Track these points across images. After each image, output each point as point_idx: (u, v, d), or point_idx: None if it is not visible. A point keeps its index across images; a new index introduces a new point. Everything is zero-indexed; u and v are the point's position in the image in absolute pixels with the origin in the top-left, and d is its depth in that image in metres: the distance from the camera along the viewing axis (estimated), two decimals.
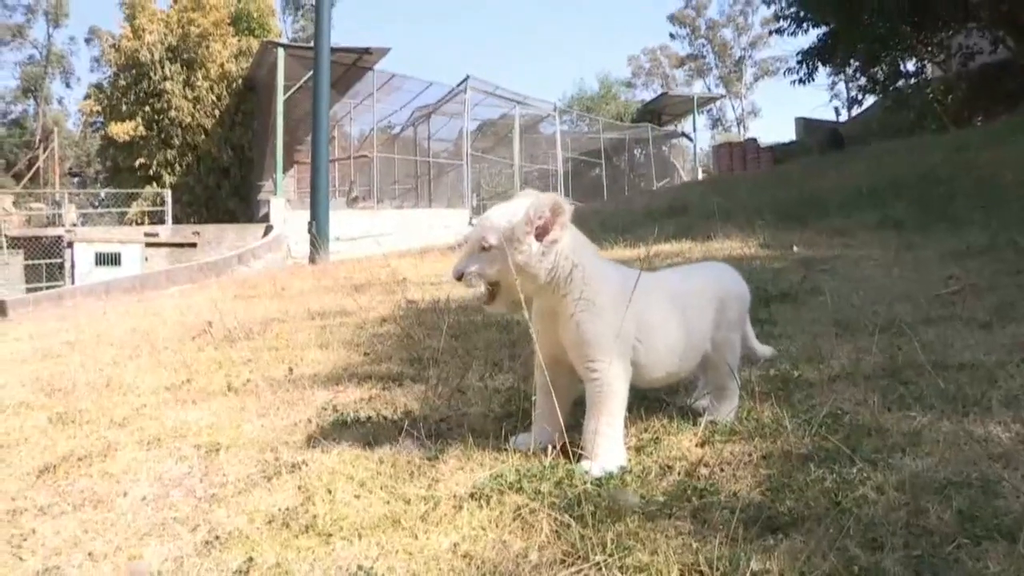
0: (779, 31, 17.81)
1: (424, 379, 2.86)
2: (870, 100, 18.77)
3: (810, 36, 18.88)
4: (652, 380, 2.24)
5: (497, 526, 1.66)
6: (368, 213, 18.91)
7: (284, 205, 17.69)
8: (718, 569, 1.43)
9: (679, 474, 1.96)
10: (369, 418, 2.38)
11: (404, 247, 13.56)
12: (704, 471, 1.96)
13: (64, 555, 1.72)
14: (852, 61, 16.91)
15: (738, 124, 53.94)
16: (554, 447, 2.05)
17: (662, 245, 7.13)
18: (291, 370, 3.10)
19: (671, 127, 35.00)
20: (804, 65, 17.28)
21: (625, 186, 30.24)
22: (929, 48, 16.06)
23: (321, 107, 10.80)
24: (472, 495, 1.78)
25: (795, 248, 6.25)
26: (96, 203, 24.89)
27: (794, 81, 17.30)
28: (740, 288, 2.51)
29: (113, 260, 16.69)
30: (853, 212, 7.79)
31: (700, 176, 28.89)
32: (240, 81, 23.47)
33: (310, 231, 10.37)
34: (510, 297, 2.10)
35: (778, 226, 7.46)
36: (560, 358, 2.11)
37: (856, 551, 1.49)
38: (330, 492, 1.81)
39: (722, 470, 1.97)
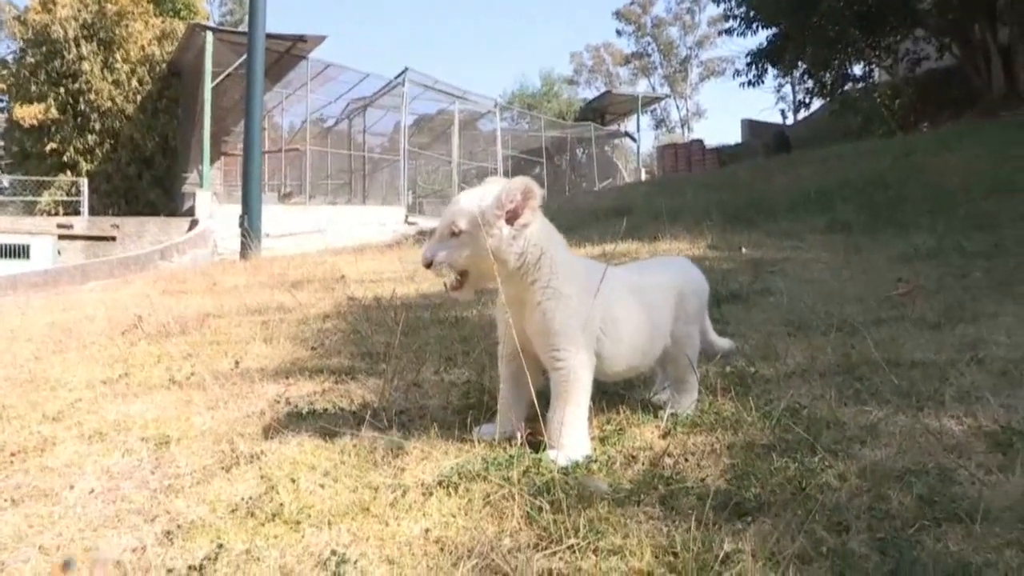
0: (728, 31, 18.33)
1: (377, 373, 2.91)
2: (817, 104, 19.47)
3: (759, 37, 19.48)
4: (614, 373, 2.33)
5: (467, 513, 1.72)
6: (300, 209, 18.68)
7: (211, 198, 17.33)
8: (690, 550, 1.52)
9: (644, 464, 2.05)
10: (326, 410, 2.42)
11: (338, 244, 13.48)
12: (669, 461, 2.06)
13: (9, 551, 1.70)
14: (800, 64, 17.51)
15: (682, 125, 55.01)
16: (519, 437, 2.12)
17: (609, 245, 7.31)
18: (237, 363, 3.10)
19: (614, 127, 35.54)
20: (753, 67, 17.81)
21: (566, 186, 30.57)
22: (877, 52, 16.80)
23: (255, 95, 10.64)
24: (440, 483, 1.84)
25: (744, 250, 6.49)
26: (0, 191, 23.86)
27: (743, 83, 17.82)
28: (699, 282, 2.63)
29: (20, 253, 16.08)
30: (801, 215, 8.12)
31: (643, 177, 29.41)
32: (164, 65, 22.84)
33: (242, 226, 10.20)
34: (479, 283, 2.17)
35: (726, 228, 7.72)
36: (525, 348, 2.18)
37: (823, 533, 1.60)
38: (293, 481, 1.85)
39: (686, 460, 2.07)
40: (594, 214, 10.23)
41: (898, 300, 4.19)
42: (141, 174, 22.83)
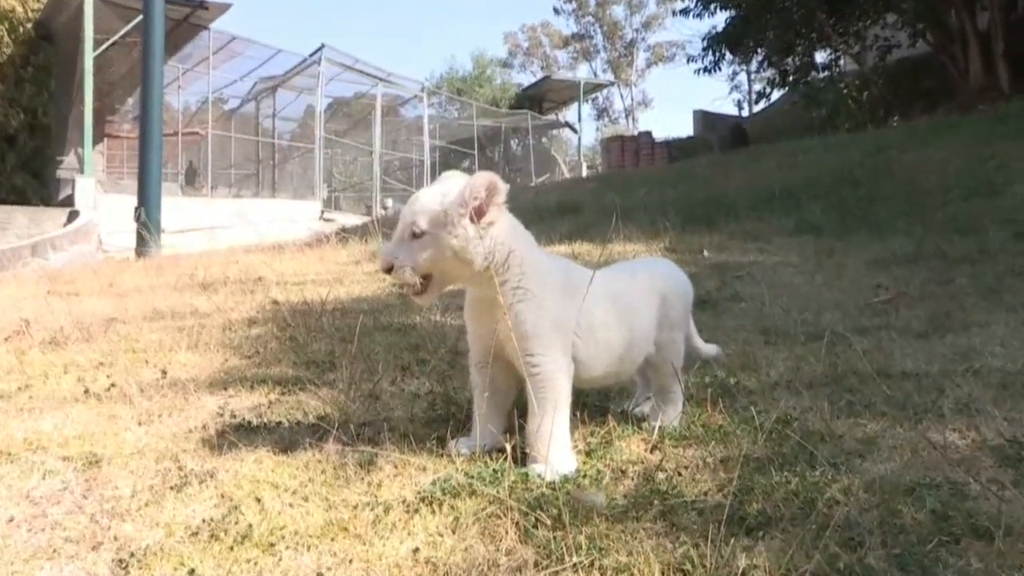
0: (684, 11, 18.69)
1: (327, 383, 2.94)
2: (777, 95, 20.01)
3: (716, 19, 19.93)
4: (590, 378, 2.41)
5: (455, 531, 1.77)
6: (202, 201, 18.33)
7: (94, 186, 16.80)
8: (704, 567, 1.60)
9: (634, 478, 2.14)
10: (279, 423, 2.44)
11: (246, 242, 13.26)
12: (662, 475, 2.15)
13: None
14: (761, 50, 17.95)
15: (627, 115, 55.92)
16: (501, 450, 2.18)
17: (556, 246, 7.43)
18: (164, 373, 3.07)
19: (553, 116, 35.92)
20: (711, 52, 18.20)
21: None
22: (844, 39, 17.30)
23: (153, 67, 10.41)
24: (424, 499, 1.88)
25: (705, 253, 6.70)
26: None
27: (698, 70, 18.23)
28: (684, 286, 2.74)
29: None
30: (766, 215, 8.40)
31: (585, 172, 29.81)
32: (31, 26, 21.89)
33: (138, 219, 9.96)
34: (443, 286, 2.23)
35: (684, 228, 7.94)
36: (498, 354, 2.25)
37: (837, 549, 1.70)
38: (258, 501, 1.86)
39: (680, 474, 2.17)
40: (536, 212, 10.32)
41: (880, 307, 4.41)
42: (4, 155, 21.87)
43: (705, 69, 18.31)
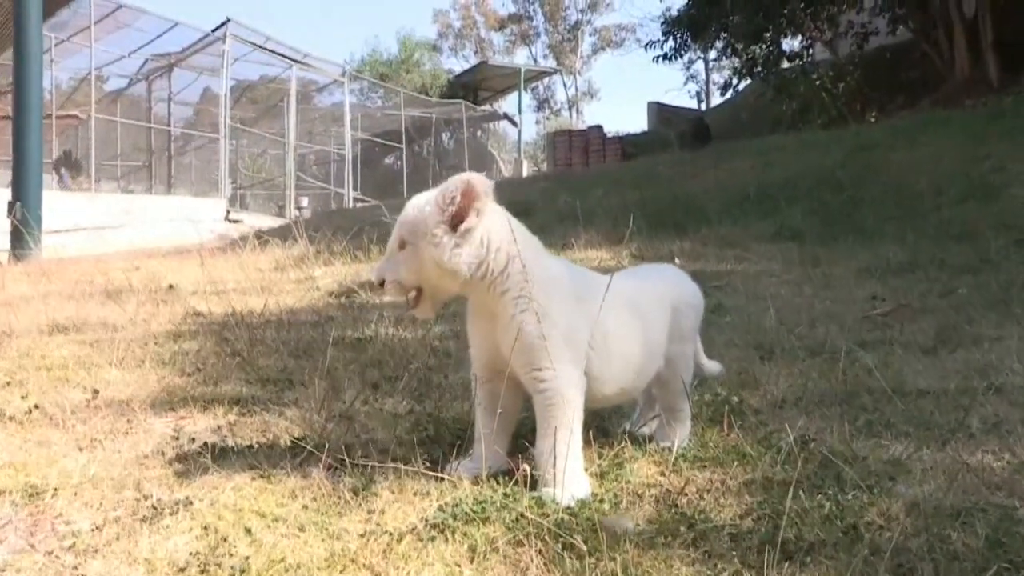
0: None
1: (289, 403, 2.99)
2: (743, 86, 20.37)
3: (672, 0, 20.20)
4: (603, 397, 2.49)
5: (472, 561, 1.83)
6: (84, 197, 17.89)
7: None
8: None
9: (654, 502, 2.23)
10: (251, 447, 2.47)
11: (142, 244, 13.05)
12: (682, 499, 2.23)
13: None
14: (725, 36, 18.21)
15: (571, 107, 56.38)
16: (507, 472, 2.23)
17: None
18: (96, 393, 3.05)
19: (488, 107, 36.06)
20: (671, 38, 18.45)
21: (430, 179, 30.76)
22: (817, 25, 17.62)
23: (29, 35, 10.16)
24: (435, 527, 1.93)
25: (677, 261, 6.84)
26: None
27: (657, 57, 18.50)
28: (695, 295, 2.84)
29: None
30: (740, 220, 8.62)
31: (526, 170, 29.97)
32: None
33: (12, 215, 9.72)
34: (438, 299, 2.33)
35: (651, 234, 8.07)
36: (502, 369, 2.31)
37: None
38: (248, 532, 1.89)
39: (702, 498, 2.26)
40: None
41: (880, 320, 4.58)
42: None
43: (665, 56, 18.55)
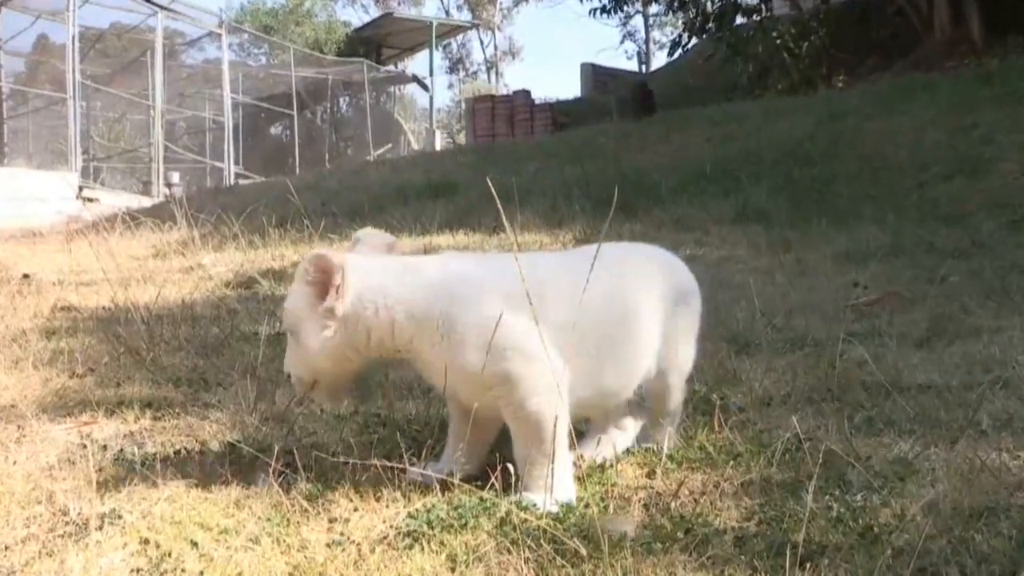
0: None
1: (210, 405, 3.04)
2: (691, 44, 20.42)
3: None
4: (577, 401, 2.47)
5: (454, 571, 1.91)
6: None
7: None
8: None
9: (643, 506, 2.33)
10: (177, 453, 2.51)
11: None
12: (675, 502, 2.34)
13: None
14: None
15: (489, 69, 56.36)
16: (486, 477, 2.31)
17: (433, 237, 7.57)
18: None
19: (394, 67, 35.82)
20: None
21: (326, 151, 30.45)
22: None
23: None
24: (408, 535, 2.00)
25: None
26: None
27: (593, 11, 18.55)
28: (690, 284, 2.90)
29: None
30: (697, 199, 8.78)
31: (440, 143, 29.86)
32: None
33: None
34: (338, 385, 2.43)
35: (596, 215, 8.17)
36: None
37: None
38: (195, 545, 1.93)
39: (697, 501, 2.37)
40: (400, 193, 10.41)
41: (865, 310, 4.76)
42: None
43: (603, 10, 18.58)
